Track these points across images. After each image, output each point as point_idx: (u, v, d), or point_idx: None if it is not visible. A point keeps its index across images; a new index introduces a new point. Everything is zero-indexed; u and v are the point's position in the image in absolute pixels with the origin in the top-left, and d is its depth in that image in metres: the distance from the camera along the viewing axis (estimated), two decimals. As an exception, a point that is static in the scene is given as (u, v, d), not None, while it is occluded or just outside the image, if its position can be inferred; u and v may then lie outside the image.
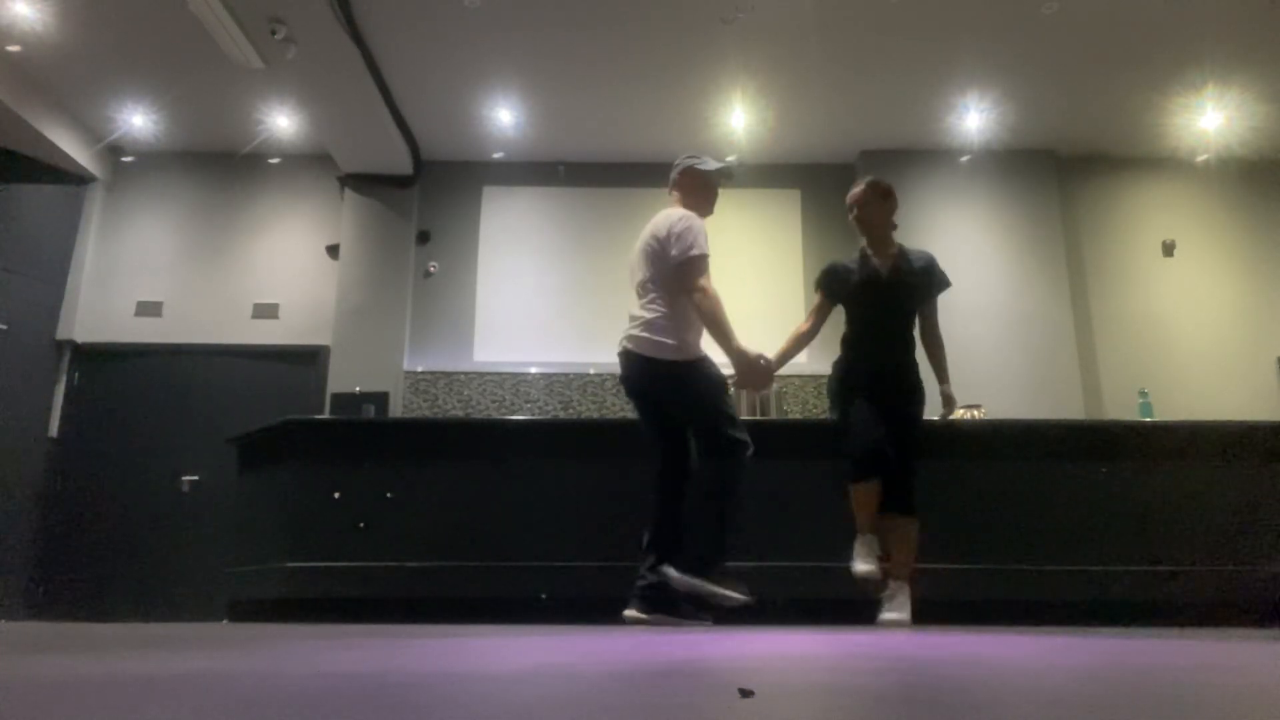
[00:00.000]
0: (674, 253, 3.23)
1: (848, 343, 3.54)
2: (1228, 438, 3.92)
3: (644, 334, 3.26)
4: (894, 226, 3.55)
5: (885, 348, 3.45)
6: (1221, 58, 5.55)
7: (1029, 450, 3.89)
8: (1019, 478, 3.85)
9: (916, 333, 3.56)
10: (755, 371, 3.26)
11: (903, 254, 3.50)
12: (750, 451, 3.19)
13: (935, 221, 6.55)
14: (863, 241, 3.57)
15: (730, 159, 6.61)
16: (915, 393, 3.44)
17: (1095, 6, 5.13)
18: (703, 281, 3.21)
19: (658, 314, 3.26)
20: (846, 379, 3.47)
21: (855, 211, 3.55)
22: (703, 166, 3.48)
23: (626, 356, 3.32)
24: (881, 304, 3.47)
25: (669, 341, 3.23)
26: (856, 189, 3.57)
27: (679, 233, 3.25)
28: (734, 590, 3.07)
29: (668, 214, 3.39)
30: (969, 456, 3.86)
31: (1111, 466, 3.86)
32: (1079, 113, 6.22)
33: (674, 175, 3.52)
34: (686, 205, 3.43)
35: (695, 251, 3.21)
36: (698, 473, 3.23)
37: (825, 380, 3.72)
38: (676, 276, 3.24)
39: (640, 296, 3.36)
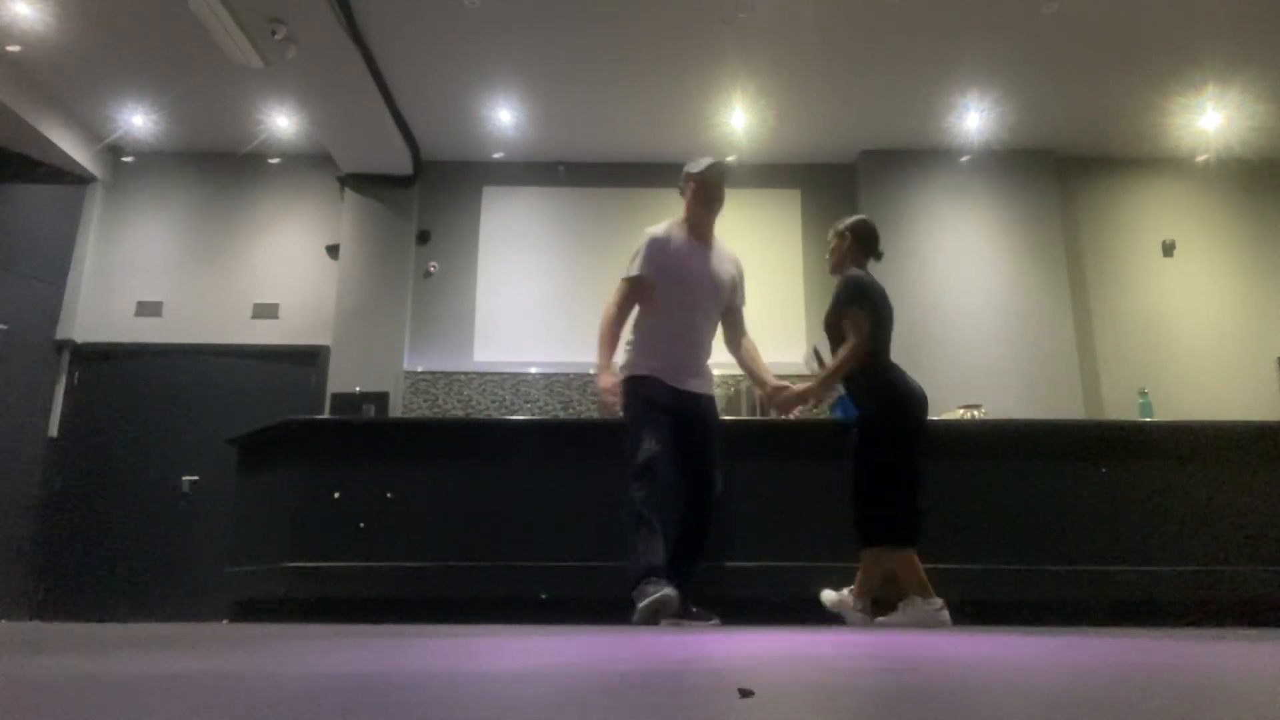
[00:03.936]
0: (740, 301, 3.43)
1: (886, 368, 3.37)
2: (1227, 438, 3.92)
3: (709, 373, 3.39)
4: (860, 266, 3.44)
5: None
6: (1221, 58, 5.55)
7: (1029, 450, 3.89)
8: (1019, 478, 3.85)
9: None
10: (779, 400, 3.33)
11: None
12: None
13: (935, 221, 6.55)
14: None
15: (730, 159, 6.61)
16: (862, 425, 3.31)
17: (1095, 6, 5.13)
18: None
19: (708, 349, 3.38)
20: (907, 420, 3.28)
21: (834, 243, 3.48)
22: (691, 168, 3.40)
23: (697, 399, 3.33)
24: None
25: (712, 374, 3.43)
26: (844, 225, 3.49)
27: (742, 277, 3.43)
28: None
29: (728, 250, 3.45)
30: (969, 456, 3.86)
31: (1111, 466, 3.86)
32: (1079, 113, 6.22)
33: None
34: (687, 216, 3.40)
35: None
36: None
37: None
38: (736, 321, 3.43)
39: (704, 326, 3.36)
